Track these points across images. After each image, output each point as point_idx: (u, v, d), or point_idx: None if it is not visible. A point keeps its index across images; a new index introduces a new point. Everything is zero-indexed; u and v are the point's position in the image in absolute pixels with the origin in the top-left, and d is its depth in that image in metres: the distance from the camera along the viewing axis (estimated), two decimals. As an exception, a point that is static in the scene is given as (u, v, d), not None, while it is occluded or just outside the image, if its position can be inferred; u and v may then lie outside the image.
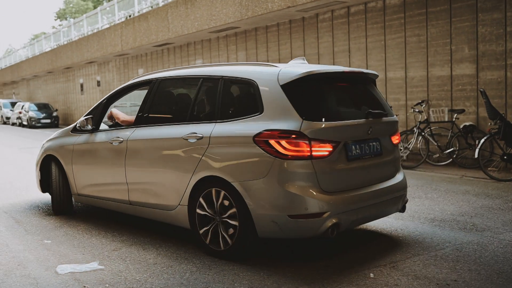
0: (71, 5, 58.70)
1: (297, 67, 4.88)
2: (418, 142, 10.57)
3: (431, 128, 10.53)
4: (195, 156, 4.94)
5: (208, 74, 5.33)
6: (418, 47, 11.10)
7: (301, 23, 13.98)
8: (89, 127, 6.30)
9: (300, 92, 4.61)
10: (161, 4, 18.81)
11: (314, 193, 4.40)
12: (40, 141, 20.51)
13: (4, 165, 12.95)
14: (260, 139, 4.49)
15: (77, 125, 6.48)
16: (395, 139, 5.31)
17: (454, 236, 5.46)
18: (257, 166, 4.51)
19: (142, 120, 5.73)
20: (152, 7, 19.85)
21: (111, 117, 6.39)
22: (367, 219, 4.93)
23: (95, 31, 25.03)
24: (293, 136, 4.39)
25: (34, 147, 17.79)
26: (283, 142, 4.40)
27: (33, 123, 31.49)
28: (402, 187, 5.23)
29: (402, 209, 5.33)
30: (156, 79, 5.80)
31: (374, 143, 4.97)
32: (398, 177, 5.26)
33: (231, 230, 4.72)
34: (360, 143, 4.81)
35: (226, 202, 4.73)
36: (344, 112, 5.01)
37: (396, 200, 5.14)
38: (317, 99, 4.73)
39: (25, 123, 32.87)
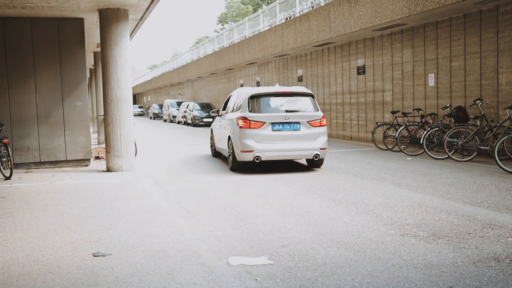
0: (232, 9, 61.56)
1: (260, 90, 10.72)
2: None
3: None
4: (228, 127, 11.27)
5: (238, 92, 11.80)
6: None
7: (477, 17, 12.82)
8: (217, 114, 13.42)
9: (253, 101, 10.51)
10: (323, 4, 18.65)
11: (250, 143, 10.18)
12: (202, 138, 21.75)
13: (175, 160, 13.85)
14: (237, 119, 10.45)
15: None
16: (314, 124, 10.42)
17: None
18: (235, 131, 10.52)
19: (226, 112, 12.36)
20: (313, 7, 19.79)
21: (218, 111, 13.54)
22: (280, 157, 10.37)
23: (256, 33, 25.74)
24: (244, 118, 10.29)
25: (197, 144, 18.81)
26: (241, 121, 10.33)
27: (197, 121, 33.43)
28: (311, 148, 10.34)
29: (317, 163, 10.92)
30: (230, 95, 12.75)
31: (294, 124, 10.32)
32: (313, 143, 10.36)
33: (231, 157, 10.89)
34: (282, 124, 10.28)
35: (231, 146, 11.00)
36: (271, 109, 10.48)
37: (306, 153, 10.39)
38: (258, 104, 10.48)
39: (189, 121, 35.04)
